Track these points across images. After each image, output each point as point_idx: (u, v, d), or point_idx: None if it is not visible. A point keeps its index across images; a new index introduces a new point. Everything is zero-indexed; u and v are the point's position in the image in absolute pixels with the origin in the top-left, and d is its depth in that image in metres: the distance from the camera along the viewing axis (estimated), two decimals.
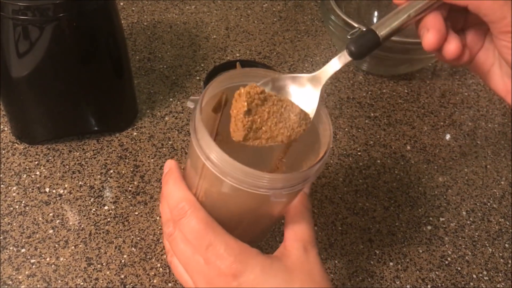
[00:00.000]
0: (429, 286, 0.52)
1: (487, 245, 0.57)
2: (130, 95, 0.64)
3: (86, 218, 0.54)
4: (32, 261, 0.50)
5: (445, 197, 0.61)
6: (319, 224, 0.56)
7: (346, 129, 0.67)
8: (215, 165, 0.35)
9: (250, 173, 0.34)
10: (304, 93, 0.39)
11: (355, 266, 0.53)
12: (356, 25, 0.67)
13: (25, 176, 0.57)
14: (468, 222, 0.59)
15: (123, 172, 0.59)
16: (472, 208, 0.60)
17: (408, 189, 0.61)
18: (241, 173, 0.34)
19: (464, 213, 0.60)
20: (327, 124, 0.39)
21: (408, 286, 0.52)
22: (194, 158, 0.38)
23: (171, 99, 0.68)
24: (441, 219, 0.59)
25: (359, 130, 0.68)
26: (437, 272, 0.54)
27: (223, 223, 0.38)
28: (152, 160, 0.60)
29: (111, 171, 0.59)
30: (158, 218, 0.55)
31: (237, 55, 0.76)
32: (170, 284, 0.50)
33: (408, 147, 0.66)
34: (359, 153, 0.65)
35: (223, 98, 0.40)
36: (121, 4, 0.83)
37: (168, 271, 0.51)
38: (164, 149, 0.62)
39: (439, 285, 0.53)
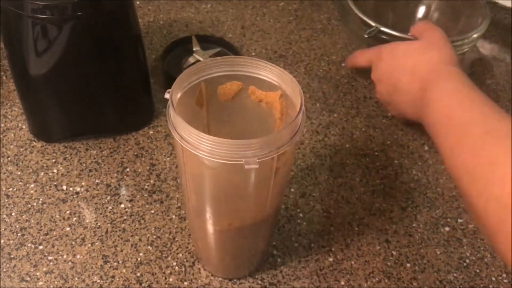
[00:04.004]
0: None
1: None
2: (147, 94, 0.64)
3: (103, 216, 0.54)
4: (50, 258, 0.51)
5: None
6: (335, 224, 0.56)
7: (363, 129, 0.67)
8: (188, 142, 0.36)
9: (219, 142, 0.35)
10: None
11: (371, 267, 0.53)
12: (373, 24, 0.66)
13: (42, 174, 0.58)
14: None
15: (139, 170, 0.59)
16: None
17: (426, 189, 0.61)
18: (213, 143, 0.35)
19: None
20: (295, 85, 0.40)
21: None
22: (176, 148, 0.40)
23: None
24: (459, 220, 0.58)
25: (376, 130, 0.67)
26: (455, 274, 0.53)
27: (214, 207, 0.40)
28: (168, 159, 0.60)
29: (128, 169, 0.59)
30: (173, 216, 0.55)
31: (253, 54, 0.76)
32: (185, 283, 0.50)
33: (426, 147, 0.65)
34: (376, 153, 0.64)
35: (203, 90, 0.43)
36: (138, 3, 0.83)
37: (183, 269, 0.51)
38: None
39: (457, 287, 0.52)
